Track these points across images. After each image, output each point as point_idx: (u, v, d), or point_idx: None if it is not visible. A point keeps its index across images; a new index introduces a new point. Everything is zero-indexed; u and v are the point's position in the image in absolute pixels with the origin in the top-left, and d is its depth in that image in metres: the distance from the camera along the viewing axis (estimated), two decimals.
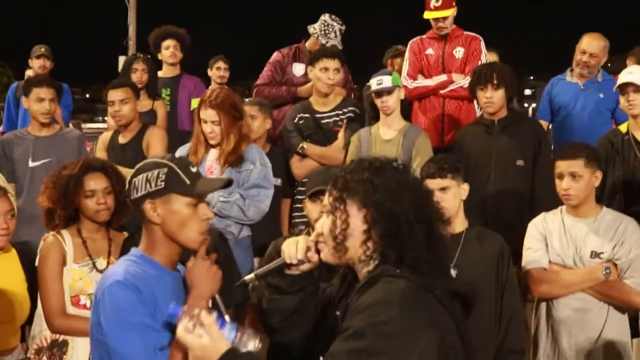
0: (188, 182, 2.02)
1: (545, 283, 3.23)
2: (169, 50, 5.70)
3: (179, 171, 2.03)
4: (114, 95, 4.45)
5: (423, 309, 1.66)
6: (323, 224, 1.85)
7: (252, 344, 1.79)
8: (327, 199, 1.84)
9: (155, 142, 4.46)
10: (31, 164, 4.51)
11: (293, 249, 1.90)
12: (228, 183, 2.16)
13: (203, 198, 2.09)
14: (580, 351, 3.17)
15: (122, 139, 4.55)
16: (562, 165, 3.24)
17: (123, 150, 4.50)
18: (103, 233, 3.11)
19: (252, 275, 1.97)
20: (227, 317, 1.91)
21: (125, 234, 3.20)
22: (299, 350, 1.96)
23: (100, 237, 3.10)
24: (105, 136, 4.74)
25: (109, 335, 1.93)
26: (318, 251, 1.88)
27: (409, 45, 4.86)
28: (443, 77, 4.65)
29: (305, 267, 1.92)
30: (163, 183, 2.01)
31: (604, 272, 3.13)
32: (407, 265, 1.72)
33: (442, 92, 4.63)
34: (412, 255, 1.72)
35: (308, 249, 1.89)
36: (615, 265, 3.17)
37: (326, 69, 4.42)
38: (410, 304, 1.65)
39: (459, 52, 4.71)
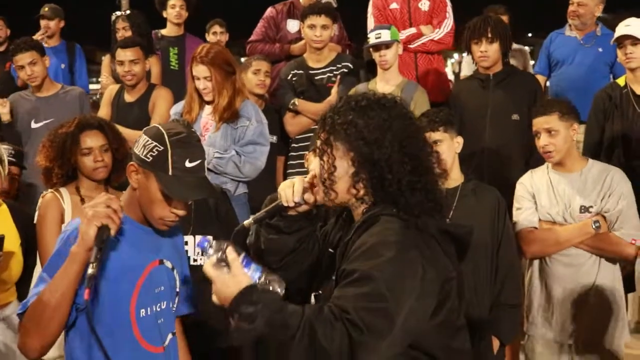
0: (170, 173, 1.97)
1: (537, 242, 3.23)
2: (174, 10, 5.59)
3: (169, 159, 1.97)
4: (123, 55, 4.40)
5: (423, 249, 1.67)
6: (315, 166, 1.84)
7: (277, 287, 1.76)
8: (317, 141, 1.83)
9: (160, 102, 4.42)
10: (34, 125, 4.52)
11: (289, 191, 1.90)
12: (209, 194, 2.09)
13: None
14: (574, 305, 3.19)
15: (128, 97, 4.52)
16: (537, 123, 3.23)
17: (129, 108, 4.47)
18: (101, 190, 3.10)
19: (250, 220, 1.97)
20: (90, 271, 1.84)
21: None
22: (295, 288, 1.95)
23: (99, 194, 3.09)
24: (112, 90, 4.69)
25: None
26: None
27: (371, 1, 4.73)
28: (412, 30, 4.57)
29: (302, 208, 1.92)
30: (151, 158, 1.98)
31: (594, 226, 3.13)
32: (399, 206, 1.71)
33: (411, 46, 4.56)
34: (400, 197, 1.72)
35: (304, 190, 1.89)
36: (605, 217, 3.17)
37: (313, 26, 4.37)
38: (410, 245, 1.65)
39: (424, 5, 4.62)
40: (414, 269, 1.63)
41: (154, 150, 1.98)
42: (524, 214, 3.27)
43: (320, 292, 1.87)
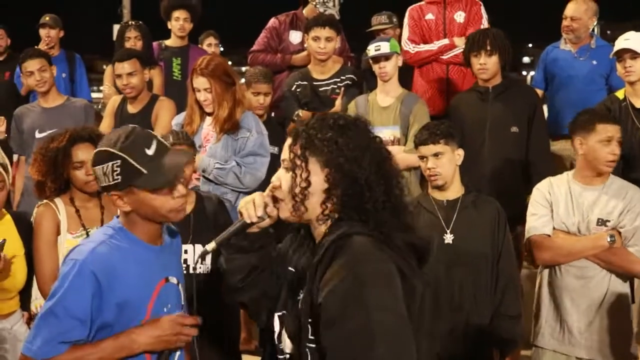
0: (145, 171, 1.94)
1: (549, 250, 3.21)
2: (178, 22, 5.59)
3: (132, 162, 1.94)
4: (121, 68, 4.41)
5: (399, 263, 1.68)
6: (282, 180, 1.81)
7: None
8: (287, 154, 1.80)
9: (163, 113, 4.43)
10: (38, 135, 4.56)
11: (251, 207, 1.86)
12: (190, 157, 2.12)
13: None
14: (582, 318, 3.18)
15: (131, 109, 4.53)
16: (612, 130, 3.16)
17: (132, 119, 4.44)
18: (95, 201, 3.10)
19: (212, 244, 1.89)
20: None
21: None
22: (258, 308, 1.94)
23: (93, 205, 3.09)
24: (114, 100, 4.70)
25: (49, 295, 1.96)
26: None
27: (407, 12, 4.80)
28: (445, 41, 4.61)
29: (265, 223, 1.88)
30: (119, 177, 1.95)
31: (609, 240, 3.10)
32: (369, 223, 1.72)
33: (444, 57, 4.60)
34: (372, 215, 1.72)
35: (266, 204, 1.85)
36: (620, 233, 3.15)
37: (317, 38, 4.40)
38: (386, 272, 1.65)
39: (460, 17, 4.66)
40: (387, 290, 1.64)
41: (114, 169, 1.95)
42: (539, 221, 3.25)
43: (284, 312, 1.84)
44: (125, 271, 1.97)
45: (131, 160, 1.94)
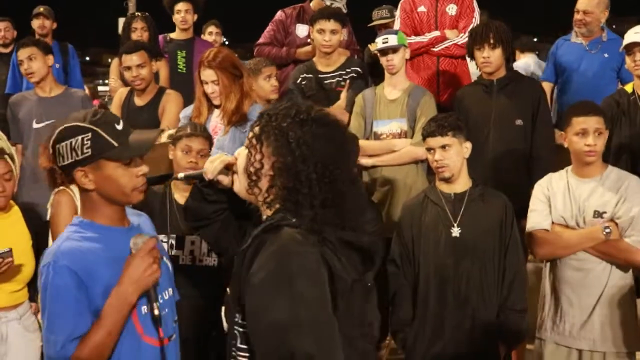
0: (116, 144, 1.94)
1: (547, 244, 3.22)
2: (180, 15, 5.59)
3: (103, 134, 1.94)
4: (129, 60, 4.38)
5: (317, 263, 1.66)
6: (240, 156, 1.85)
7: None
8: (250, 132, 1.82)
9: (170, 106, 4.41)
10: (35, 125, 4.51)
11: (210, 166, 1.93)
12: (159, 134, 2.17)
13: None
14: (582, 311, 3.18)
15: (138, 101, 4.51)
16: (588, 122, 3.14)
17: (139, 112, 4.46)
18: None
19: (181, 175, 2.11)
20: (156, 312, 1.95)
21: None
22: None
23: None
24: (121, 93, 4.69)
25: (43, 310, 1.95)
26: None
27: (399, 4, 4.77)
28: (436, 33, 4.59)
29: (221, 185, 1.95)
30: (89, 150, 1.93)
31: (604, 232, 3.11)
32: (303, 218, 1.71)
33: (435, 50, 4.58)
34: (307, 212, 1.71)
35: (220, 171, 1.91)
36: (617, 224, 3.15)
37: (322, 31, 4.38)
38: (305, 263, 1.65)
39: (451, 9, 4.63)
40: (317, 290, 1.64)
41: (85, 142, 1.94)
42: (536, 216, 3.26)
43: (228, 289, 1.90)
44: (97, 257, 1.95)
45: (102, 133, 1.94)
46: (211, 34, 6.61)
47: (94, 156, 1.94)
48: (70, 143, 1.95)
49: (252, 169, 1.77)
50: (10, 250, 2.81)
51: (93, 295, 1.92)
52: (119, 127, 1.97)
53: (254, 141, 1.78)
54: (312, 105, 1.84)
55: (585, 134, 3.14)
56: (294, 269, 1.62)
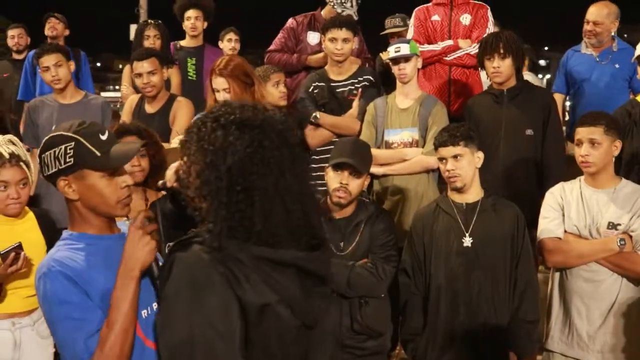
0: (99, 154, 1.94)
1: (559, 253, 3.21)
2: (189, 22, 5.64)
3: (86, 144, 1.93)
4: (140, 67, 4.39)
5: (217, 283, 1.61)
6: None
7: None
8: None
9: (181, 114, 4.42)
10: None
11: (168, 173, 1.97)
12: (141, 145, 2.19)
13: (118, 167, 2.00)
14: (592, 322, 3.17)
15: (149, 108, 4.52)
16: (581, 132, 3.20)
17: (150, 119, 4.46)
18: (140, 193, 3.15)
19: (160, 182, 2.22)
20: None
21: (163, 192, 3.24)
22: None
23: (137, 197, 3.14)
24: (132, 100, 4.70)
25: (50, 322, 1.94)
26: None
27: (414, 13, 4.80)
28: (449, 42, 4.60)
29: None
30: (72, 159, 1.93)
31: (619, 244, 3.11)
32: (212, 232, 1.63)
33: (447, 59, 4.59)
34: (219, 224, 1.62)
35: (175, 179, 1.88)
36: (631, 237, 3.14)
37: (334, 39, 4.39)
38: (204, 284, 1.60)
39: (465, 19, 4.64)
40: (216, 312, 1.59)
41: (68, 151, 1.93)
42: (550, 224, 3.25)
43: None
44: (90, 263, 1.94)
45: (85, 142, 1.93)
46: (230, 40, 6.64)
47: (76, 165, 1.94)
48: (54, 152, 1.95)
49: (182, 176, 1.71)
50: (20, 244, 2.81)
51: (92, 299, 1.91)
52: (104, 137, 1.97)
53: (186, 146, 1.70)
54: (270, 108, 1.72)
55: (580, 144, 3.17)
56: (192, 291, 1.59)
